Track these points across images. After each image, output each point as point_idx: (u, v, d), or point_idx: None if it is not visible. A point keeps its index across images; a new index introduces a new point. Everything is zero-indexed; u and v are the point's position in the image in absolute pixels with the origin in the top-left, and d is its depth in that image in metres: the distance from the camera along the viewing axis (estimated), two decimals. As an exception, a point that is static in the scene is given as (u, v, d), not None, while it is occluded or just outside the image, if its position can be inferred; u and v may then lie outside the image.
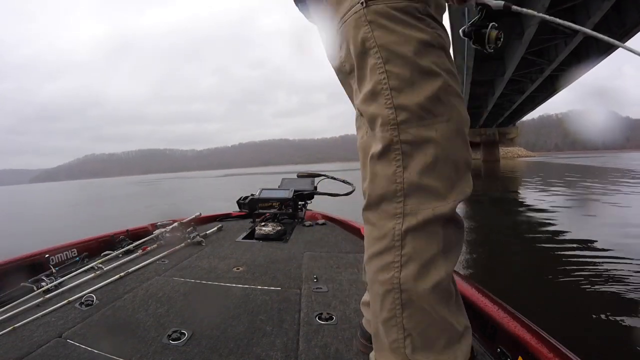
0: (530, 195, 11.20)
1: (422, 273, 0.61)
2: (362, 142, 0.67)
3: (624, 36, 15.16)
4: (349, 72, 0.69)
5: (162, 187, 32.97)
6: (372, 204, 0.64)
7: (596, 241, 5.02)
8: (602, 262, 4.02)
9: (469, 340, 0.68)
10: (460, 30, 0.99)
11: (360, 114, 0.66)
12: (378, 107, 0.61)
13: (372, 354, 0.75)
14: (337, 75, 0.74)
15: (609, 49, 16.60)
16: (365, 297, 0.94)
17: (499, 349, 0.95)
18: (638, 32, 14.74)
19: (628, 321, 2.71)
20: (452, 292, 0.65)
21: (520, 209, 8.78)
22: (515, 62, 18.63)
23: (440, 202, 0.60)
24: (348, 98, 0.81)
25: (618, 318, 2.75)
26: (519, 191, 13.21)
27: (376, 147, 0.62)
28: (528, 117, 48.40)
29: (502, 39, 0.87)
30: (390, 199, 0.61)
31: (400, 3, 0.62)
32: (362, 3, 0.63)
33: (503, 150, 57.81)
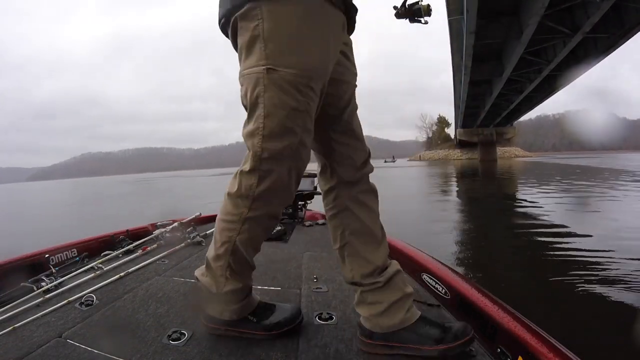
0: (527, 195, 11.18)
1: (250, 240, 0.98)
2: (243, 162, 0.95)
3: (623, 37, 15.14)
4: (244, 104, 0.93)
5: (159, 185, 32.79)
6: (232, 196, 0.95)
7: (591, 236, 5.11)
8: (597, 258, 4.08)
9: (251, 279, 1.08)
10: (395, 14, 1.18)
11: (243, 138, 0.94)
12: (253, 144, 0.90)
13: (197, 271, 1.10)
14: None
15: (608, 49, 16.56)
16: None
17: (499, 349, 0.95)
18: (637, 32, 14.68)
19: (626, 319, 2.71)
20: (257, 249, 1.04)
21: (518, 208, 8.79)
22: (514, 62, 18.65)
23: (271, 208, 0.97)
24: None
25: (615, 316, 2.78)
26: (516, 190, 13.22)
27: (246, 166, 0.92)
28: (525, 117, 48.55)
29: (431, 10, 1.15)
30: (245, 198, 0.93)
31: (289, 77, 0.85)
32: (265, 69, 0.85)
33: (500, 150, 57.79)
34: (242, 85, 0.91)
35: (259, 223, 0.97)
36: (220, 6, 0.93)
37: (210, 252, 1.04)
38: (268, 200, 0.94)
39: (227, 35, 0.97)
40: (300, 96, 0.87)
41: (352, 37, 1.05)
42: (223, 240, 0.98)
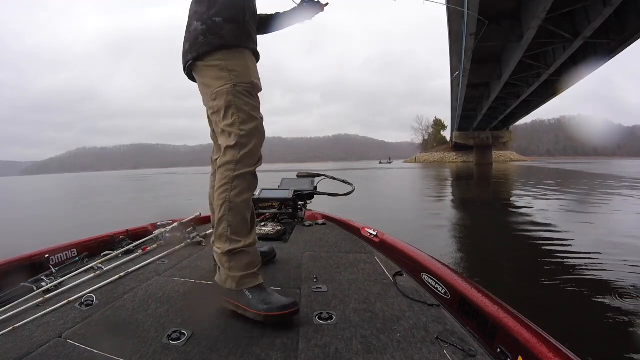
0: (524, 199, 11.27)
1: (239, 194, 1.30)
2: (226, 142, 1.34)
3: (623, 44, 14.99)
4: (216, 111, 1.36)
5: (156, 182, 32.75)
6: (223, 165, 1.33)
7: (583, 239, 5.40)
8: (585, 259, 4.26)
9: (255, 232, 1.37)
10: None
11: (221, 131, 1.36)
12: (234, 129, 1.32)
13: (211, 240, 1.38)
14: (208, 110, 1.45)
15: (607, 55, 16.48)
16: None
17: (499, 349, 0.96)
18: (637, 40, 14.62)
19: (615, 313, 2.80)
20: (250, 208, 1.36)
21: (514, 211, 8.88)
22: (513, 66, 18.61)
23: (250, 167, 1.33)
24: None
25: (602, 308, 2.87)
26: (515, 196, 13.30)
27: (230, 142, 1.32)
28: (521, 121, 48.52)
29: None
30: (230, 163, 1.31)
31: (246, 88, 1.35)
32: (232, 85, 1.33)
33: (496, 154, 57.66)
34: (215, 99, 1.36)
35: (244, 178, 1.33)
36: (186, 54, 1.43)
37: (215, 222, 1.35)
38: (247, 162, 1.34)
39: (189, 72, 1.47)
40: (253, 97, 1.38)
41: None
42: (221, 203, 1.31)
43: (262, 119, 1.40)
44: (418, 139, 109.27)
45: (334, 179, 2.89)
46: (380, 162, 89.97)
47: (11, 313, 1.21)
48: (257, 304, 1.17)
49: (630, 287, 3.28)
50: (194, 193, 15.85)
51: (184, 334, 1.06)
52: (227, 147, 1.33)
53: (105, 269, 1.62)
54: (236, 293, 1.22)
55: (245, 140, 1.33)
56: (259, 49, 1.52)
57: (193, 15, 1.43)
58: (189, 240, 2.07)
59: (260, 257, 1.35)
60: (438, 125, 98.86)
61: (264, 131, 1.42)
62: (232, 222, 1.27)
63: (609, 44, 15.29)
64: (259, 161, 1.39)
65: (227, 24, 1.38)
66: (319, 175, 2.97)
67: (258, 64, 1.49)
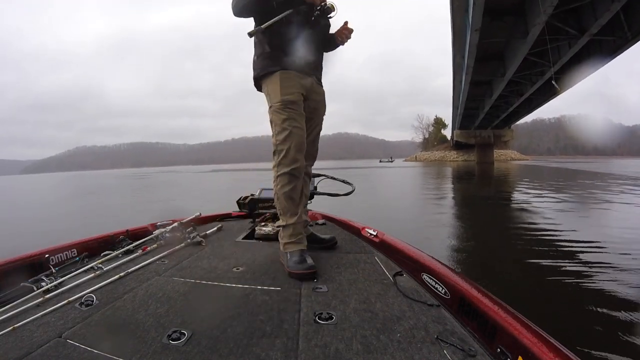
0: (529, 197, 11.25)
1: (281, 188, 1.74)
2: (273, 149, 1.81)
3: (629, 40, 14.75)
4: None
5: (156, 180, 32.69)
6: (273, 167, 1.77)
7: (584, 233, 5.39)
8: (587, 258, 4.26)
9: (302, 214, 1.81)
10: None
11: None
12: (273, 139, 1.77)
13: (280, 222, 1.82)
14: None
15: (613, 53, 16.19)
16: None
17: (499, 349, 0.96)
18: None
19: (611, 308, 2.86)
20: (293, 198, 1.75)
21: (517, 209, 8.90)
22: (517, 63, 18.34)
23: (286, 168, 1.71)
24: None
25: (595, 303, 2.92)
26: (517, 193, 13.31)
27: (273, 149, 1.76)
28: (521, 120, 47.91)
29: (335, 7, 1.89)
30: (275, 166, 1.75)
31: (278, 106, 1.72)
32: (270, 106, 1.77)
33: (497, 153, 56.79)
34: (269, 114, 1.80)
35: (284, 176, 1.72)
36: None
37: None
38: (284, 164, 1.72)
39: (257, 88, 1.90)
40: (286, 112, 1.72)
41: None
42: (273, 194, 1.80)
43: (294, 127, 1.72)
44: (418, 138, 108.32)
45: (334, 179, 2.89)
46: (380, 161, 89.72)
47: (11, 313, 1.21)
48: (291, 264, 1.59)
49: (633, 288, 3.29)
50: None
51: (184, 334, 1.05)
52: (273, 154, 1.77)
53: (105, 269, 1.62)
54: (283, 253, 1.69)
55: (280, 147, 1.73)
56: None
57: None
58: (189, 240, 2.07)
59: (306, 234, 1.83)
60: (439, 123, 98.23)
61: (298, 138, 1.74)
62: (280, 207, 1.77)
63: (615, 41, 14.99)
64: (295, 163, 1.73)
65: (257, 58, 1.84)
66: (318, 176, 2.93)
67: None
